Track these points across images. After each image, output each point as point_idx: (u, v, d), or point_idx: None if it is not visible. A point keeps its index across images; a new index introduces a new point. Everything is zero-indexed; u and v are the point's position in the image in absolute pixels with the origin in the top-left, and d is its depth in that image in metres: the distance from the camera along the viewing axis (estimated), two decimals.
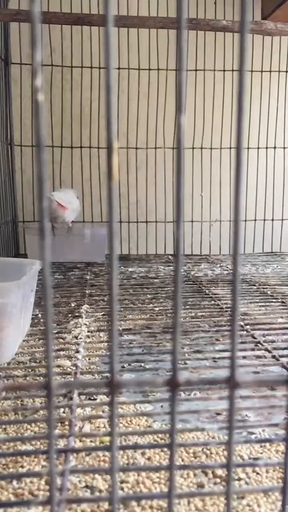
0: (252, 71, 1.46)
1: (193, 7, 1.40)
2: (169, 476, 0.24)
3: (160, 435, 0.47)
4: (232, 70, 1.45)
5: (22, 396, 0.49)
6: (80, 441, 0.45)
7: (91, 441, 0.45)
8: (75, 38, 1.39)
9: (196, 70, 1.44)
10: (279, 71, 1.48)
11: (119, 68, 1.41)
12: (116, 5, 1.34)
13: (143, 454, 0.43)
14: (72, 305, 0.88)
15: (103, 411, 0.48)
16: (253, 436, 0.47)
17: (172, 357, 0.22)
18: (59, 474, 0.34)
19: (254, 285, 1.04)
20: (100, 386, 0.20)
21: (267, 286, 1.03)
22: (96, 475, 0.40)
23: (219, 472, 0.42)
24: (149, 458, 0.44)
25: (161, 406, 0.52)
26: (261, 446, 0.45)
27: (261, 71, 1.47)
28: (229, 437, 0.24)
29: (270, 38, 1.40)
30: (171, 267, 1.26)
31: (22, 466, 0.42)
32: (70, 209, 1.17)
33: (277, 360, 0.59)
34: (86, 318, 0.79)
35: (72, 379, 0.55)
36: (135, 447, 0.42)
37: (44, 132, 0.19)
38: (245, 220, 1.51)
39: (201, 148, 1.48)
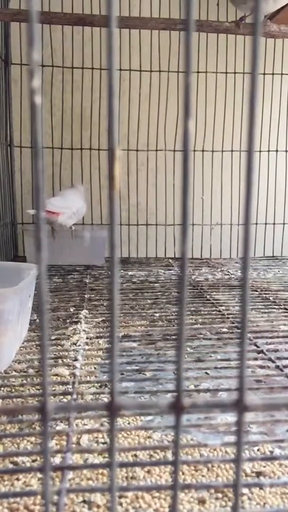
0: None
1: (196, 9, 1.38)
2: (172, 496, 0.23)
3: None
4: (234, 73, 1.44)
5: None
6: (78, 453, 0.43)
7: (89, 453, 0.43)
8: (76, 39, 1.38)
9: (198, 72, 1.43)
10: (281, 74, 1.47)
11: (120, 70, 1.40)
12: (118, 6, 1.33)
13: (142, 467, 0.42)
14: (71, 310, 0.86)
15: (101, 424, 0.47)
16: (255, 448, 0.46)
17: (176, 379, 0.21)
18: (56, 493, 0.33)
19: (256, 291, 1.02)
20: (99, 409, 0.19)
21: (269, 292, 1.01)
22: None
23: None
24: (148, 471, 0.42)
25: (161, 417, 0.50)
26: (263, 460, 0.44)
27: (264, 74, 1.45)
28: (237, 457, 0.22)
29: (273, 40, 1.39)
30: (172, 271, 1.25)
31: (17, 479, 0.41)
32: (68, 214, 1.16)
33: (281, 370, 0.58)
34: (85, 323, 0.78)
35: (71, 388, 0.53)
36: (135, 464, 0.40)
37: (40, 138, 0.18)
38: None
39: (203, 150, 1.47)
